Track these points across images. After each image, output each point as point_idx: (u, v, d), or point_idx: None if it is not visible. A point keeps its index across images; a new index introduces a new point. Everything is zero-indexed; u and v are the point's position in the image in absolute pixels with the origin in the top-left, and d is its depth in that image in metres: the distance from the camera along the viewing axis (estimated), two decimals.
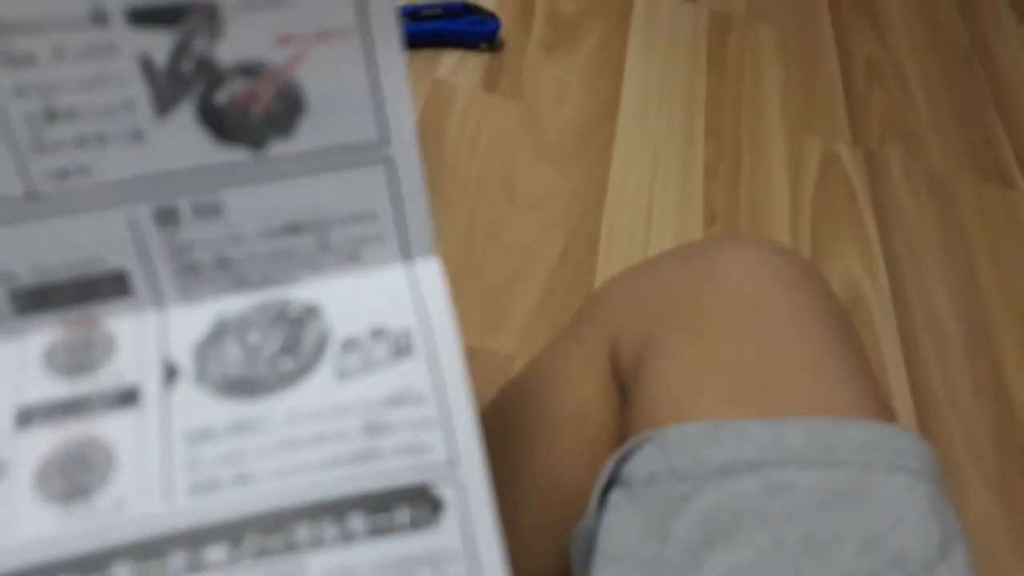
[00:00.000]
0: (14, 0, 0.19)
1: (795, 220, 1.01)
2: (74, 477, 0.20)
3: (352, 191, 0.23)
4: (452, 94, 1.00)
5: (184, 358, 0.22)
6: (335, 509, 0.21)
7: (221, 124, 0.22)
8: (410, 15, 1.01)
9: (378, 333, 0.23)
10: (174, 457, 0.21)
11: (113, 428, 0.21)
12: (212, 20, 0.20)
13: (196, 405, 0.22)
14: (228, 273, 0.23)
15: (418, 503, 0.21)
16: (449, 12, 1.03)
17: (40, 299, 0.22)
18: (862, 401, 0.33)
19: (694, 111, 1.10)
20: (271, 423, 0.22)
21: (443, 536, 0.21)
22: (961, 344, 0.94)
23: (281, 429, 0.21)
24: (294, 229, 0.23)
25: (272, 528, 0.20)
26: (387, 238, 0.24)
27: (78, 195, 0.21)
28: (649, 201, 0.98)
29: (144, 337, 0.23)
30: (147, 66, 0.21)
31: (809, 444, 0.30)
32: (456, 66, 1.03)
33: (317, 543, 0.20)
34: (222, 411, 0.22)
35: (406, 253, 0.24)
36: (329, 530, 0.20)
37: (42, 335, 0.22)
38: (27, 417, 0.21)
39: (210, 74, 0.21)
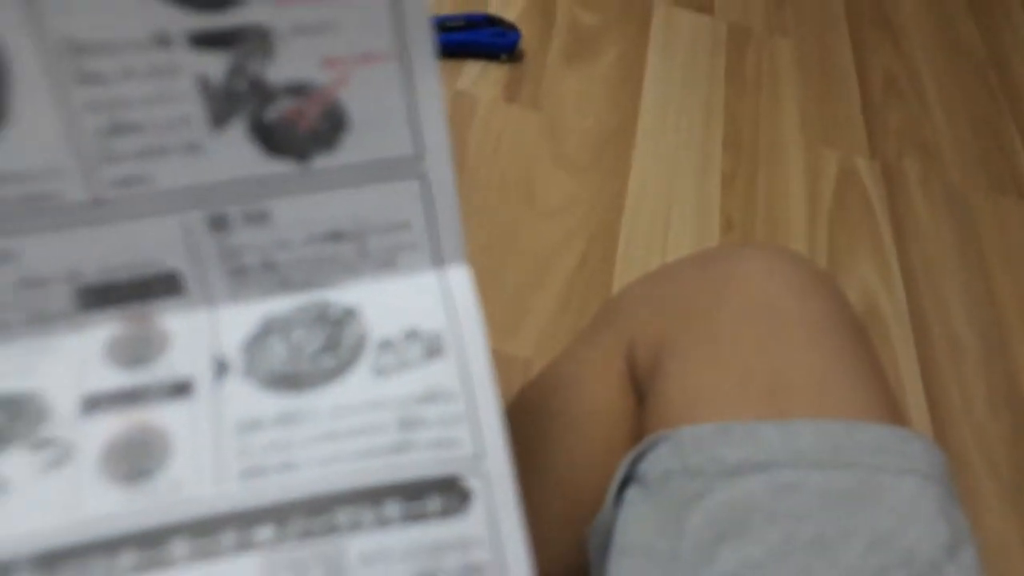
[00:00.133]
0: (88, 24, 0.21)
1: (812, 231, 1.02)
2: (135, 460, 0.22)
3: (389, 202, 0.25)
4: (474, 104, 1.02)
5: (233, 354, 0.24)
6: (372, 496, 0.22)
7: (270, 139, 0.23)
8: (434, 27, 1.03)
9: (411, 335, 0.25)
10: (225, 445, 0.22)
11: (169, 417, 0.23)
12: (265, 44, 0.22)
13: (245, 397, 0.23)
14: (274, 276, 0.25)
15: (448, 493, 0.22)
16: (471, 24, 1.05)
17: (102, 296, 0.24)
18: (872, 406, 0.33)
19: (712, 122, 1.11)
20: (314, 416, 0.23)
21: (470, 524, 0.22)
22: (977, 356, 0.94)
23: (323, 421, 0.23)
24: (335, 236, 0.25)
25: (315, 512, 0.22)
26: (420, 246, 0.25)
27: (139, 202, 0.23)
28: (667, 210, 0.99)
29: (196, 334, 0.24)
30: (204, 85, 0.22)
31: (819, 445, 0.31)
32: (478, 77, 1.05)
33: (356, 527, 0.22)
34: (269, 403, 0.23)
35: (438, 260, 0.26)
36: (366, 515, 0.22)
37: (103, 329, 0.24)
38: (91, 404, 0.23)
39: (261, 93, 0.23)
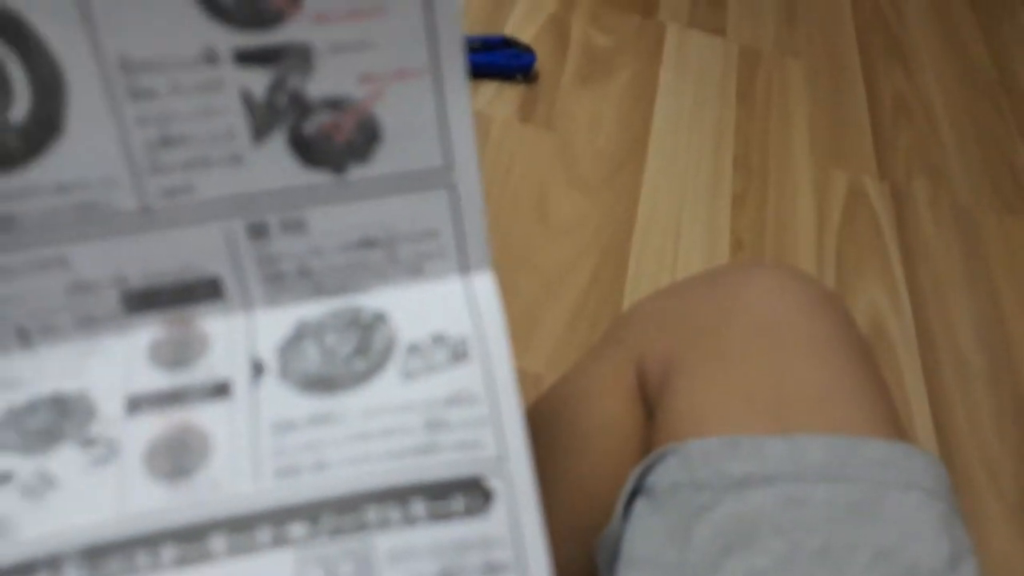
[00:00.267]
0: (140, 43, 0.22)
1: (820, 252, 1.02)
2: (176, 459, 0.23)
3: (419, 211, 0.26)
4: (488, 124, 1.03)
5: (269, 356, 0.25)
6: (400, 495, 0.23)
7: (308, 151, 0.24)
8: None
9: (438, 339, 0.26)
10: (262, 444, 0.23)
11: (208, 417, 0.24)
12: (305, 60, 0.23)
13: (280, 399, 0.24)
14: (309, 282, 0.26)
15: (471, 493, 0.23)
16: (488, 45, 1.07)
17: (146, 301, 0.25)
18: (877, 422, 0.34)
19: (723, 143, 1.12)
20: (345, 417, 0.24)
21: (493, 524, 0.23)
22: (985, 377, 0.94)
23: (354, 423, 0.24)
24: (367, 244, 0.26)
25: (345, 510, 0.23)
26: (448, 254, 0.26)
27: (184, 211, 0.24)
28: (677, 228, 1.00)
29: (234, 337, 0.25)
30: (247, 99, 0.23)
31: (824, 460, 0.31)
32: (493, 97, 1.07)
33: (384, 525, 0.23)
34: (303, 405, 0.24)
35: (464, 268, 0.27)
36: (394, 513, 0.23)
37: (147, 332, 0.25)
38: (135, 404, 0.24)
39: (300, 107, 0.24)
